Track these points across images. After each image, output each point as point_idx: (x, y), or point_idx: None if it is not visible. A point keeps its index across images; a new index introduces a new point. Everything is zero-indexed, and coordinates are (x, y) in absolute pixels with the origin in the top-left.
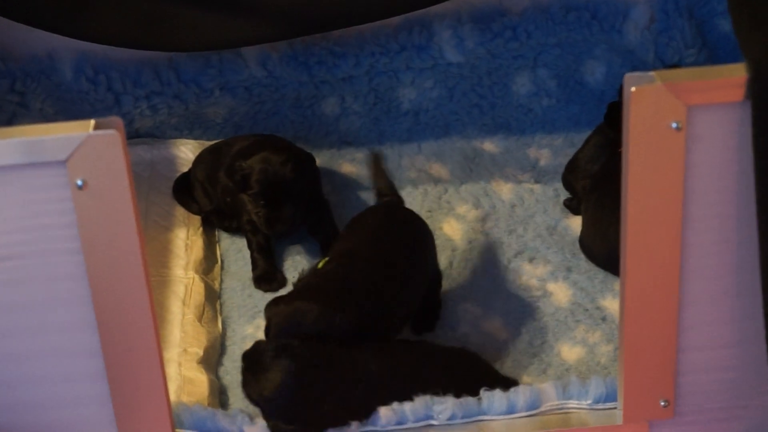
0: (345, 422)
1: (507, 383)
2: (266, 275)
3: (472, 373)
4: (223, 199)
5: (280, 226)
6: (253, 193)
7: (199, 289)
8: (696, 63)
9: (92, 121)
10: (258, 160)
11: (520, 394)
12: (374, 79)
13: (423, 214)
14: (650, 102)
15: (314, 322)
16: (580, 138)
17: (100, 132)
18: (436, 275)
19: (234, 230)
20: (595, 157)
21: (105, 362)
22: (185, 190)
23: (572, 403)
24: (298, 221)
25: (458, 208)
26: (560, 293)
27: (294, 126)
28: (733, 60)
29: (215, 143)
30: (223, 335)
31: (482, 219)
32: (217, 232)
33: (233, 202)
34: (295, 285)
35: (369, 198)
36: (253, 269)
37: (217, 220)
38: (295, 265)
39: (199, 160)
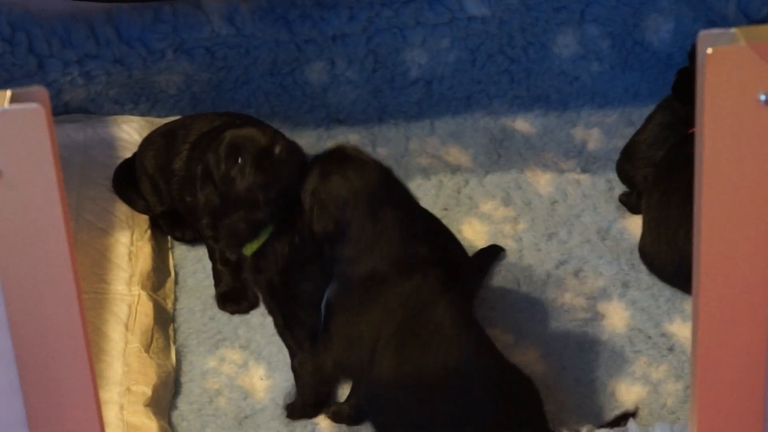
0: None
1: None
2: (233, 293)
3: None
4: (179, 199)
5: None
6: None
7: (146, 309)
8: None
9: (8, 92)
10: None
11: None
12: (374, 37)
13: (437, 212)
14: (731, 68)
15: None
16: (640, 115)
17: (18, 106)
18: None
19: (190, 241)
20: (660, 139)
21: (25, 404)
22: (128, 181)
23: None
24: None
25: (482, 204)
26: (615, 316)
27: (270, 99)
28: None
29: (168, 124)
30: (177, 370)
31: (513, 219)
32: (170, 237)
33: (195, 202)
34: None
35: None
36: (216, 285)
37: (167, 226)
38: None
39: (147, 146)
